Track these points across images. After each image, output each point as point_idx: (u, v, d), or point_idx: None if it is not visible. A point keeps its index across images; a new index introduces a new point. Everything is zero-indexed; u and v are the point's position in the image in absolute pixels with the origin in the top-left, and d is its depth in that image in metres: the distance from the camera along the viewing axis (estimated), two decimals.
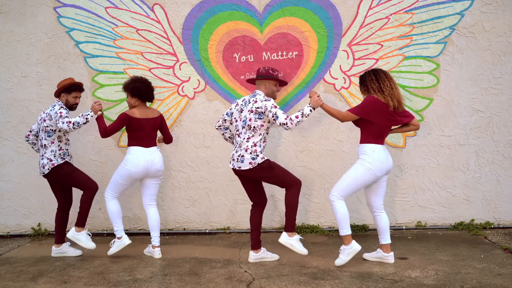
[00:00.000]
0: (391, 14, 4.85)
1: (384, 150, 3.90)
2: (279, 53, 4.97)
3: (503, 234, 4.78)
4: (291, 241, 4.05)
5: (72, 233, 4.42)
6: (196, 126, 5.13)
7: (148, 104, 4.48)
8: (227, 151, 5.10)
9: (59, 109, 4.31)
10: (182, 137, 5.16)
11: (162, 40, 5.06)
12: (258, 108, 3.95)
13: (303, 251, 4.05)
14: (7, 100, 5.24)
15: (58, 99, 4.49)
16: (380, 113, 3.80)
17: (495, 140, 4.91)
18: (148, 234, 5.14)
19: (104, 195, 4.43)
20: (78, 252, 4.58)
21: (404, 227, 5.06)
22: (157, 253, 4.42)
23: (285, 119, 3.85)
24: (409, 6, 4.82)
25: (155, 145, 4.41)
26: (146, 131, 4.31)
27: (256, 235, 4.18)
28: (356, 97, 4.92)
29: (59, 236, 4.57)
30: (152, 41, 5.07)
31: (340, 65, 4.95)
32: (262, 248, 4.21)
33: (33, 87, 5.21)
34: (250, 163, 3.97)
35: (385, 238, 4.00)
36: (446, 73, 4.87)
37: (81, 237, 4.42)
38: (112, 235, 5.26)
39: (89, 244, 4.44)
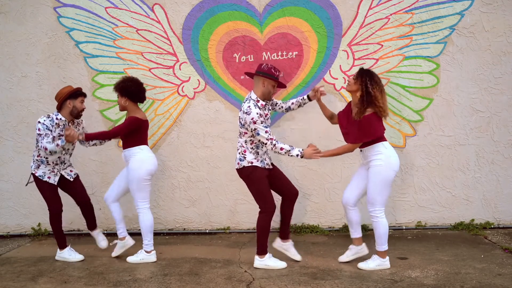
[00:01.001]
0: (391, 14, 4.85)
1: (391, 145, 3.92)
2: (279, 53, 4.97)
3: (503, 234, 4.78)
4: (264, 262, 4.01)
5: (58, 253, 4.49)
6: (196, 126, 5.13)
7: (139, 105, 4.43)
8: (227, 151, 5.10)
9: (44, 128, 4.17)
10: (182, 137, 5.15)
11: (162, 40, 5.06)
12: (241, 118, 3.92)
13: (281, 265, 4.01)
14: (7, 100, 5.24)
15: (57, 111, 4.30)
16: (379, 125, 3.78)
17: (495, 140, 4.91)
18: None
19: (136, 209, 4.36)
20: (79, 257, 4.49)
21: (404, 227, 5.06)
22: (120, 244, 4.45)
23: (267, 139, 3.82)
24: (409, 6, 4.81)
25: (146, 144, 4.47)
26: (147, 132, 4.43)
27: (285, 225, 4.17)
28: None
29: (60, 242, 4.52)
30: (152, 41, 5.07)
31: (340, 65, 4.95)
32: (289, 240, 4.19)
33: (33, 87, 5.21)
34: (237, 163, 4.00)
35: (359, 232, 4.05)
36: (446, 73, 4.87)
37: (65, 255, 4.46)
38: (112, 235, 5.27)
39: (76, 257, 4.46)
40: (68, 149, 4.41)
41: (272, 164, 4.13)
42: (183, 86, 5.11)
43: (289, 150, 3.82)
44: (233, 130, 5.06)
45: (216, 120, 5.11)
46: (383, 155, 3.76)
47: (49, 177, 4.35)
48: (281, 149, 3.82)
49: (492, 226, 4.98)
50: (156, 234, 5.22)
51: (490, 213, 5.00)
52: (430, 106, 4.91)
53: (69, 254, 4.46)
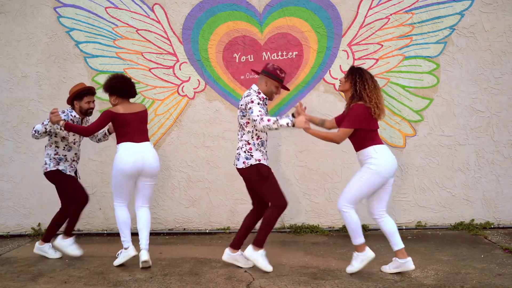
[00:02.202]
0: (391, 14, 4.85)
1: (388, 150, 3.75)
2: (279, 53, 4.97)
3: (503, 234, 4.78)
4: (255, 255, 3.90)
5: (58, 240, 4.44)
6: (196, 126, 5.13)
7: (131, 100, 4.31)
8: (227, 151, 5.10)
9: (48, 118, 4.20)
10: (182, 137, 5.16)
11: (162, 40, 5.06)
12: (241, 105, 3.86)
13: (267, 268, 3.88)
14: (7, 100, 5.25)
15: (70, 107, 4.40)
16: (370, 119, 3.65)
17: (495, 140, 4.91)
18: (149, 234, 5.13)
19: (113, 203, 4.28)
20: (57, 255, 4.48)
21: (404, 227, 5.06)
22: (144, 256, 4.08)
23: (257, 116, 3.66)
24: (409, 6, 4.82)
25: (147, 140, 4.21)
26: (134, 125, 4.12)
27: (241, 235, 4.02)
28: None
29: (48, 235, 4.50)
30: (152, 41, 5.07)
31: (340, 65, 4.95)
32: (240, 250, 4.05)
33: (33, 87, 5.21)
34: (243, 162, 3.87)
35: (396, 243, 3.70)
36: (446, 73, 4.87)
37: (65, 245, 4.42)
38: (112, 235, 5.28)
39: (75, 252, 4.41)
40: (70, 147, 4.42)
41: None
42: (183, 86, 5.11)
43: (277, 120, 3.60)
44: (233, 130, 5.07)
45: (216, 120, 5.11)
46: (374, 159, 3.63)
47: (69, 171, 4.41)
48: (268, 120, 3.62)
49: (492, 226, 4.98)
50: (156, 234, 5.24)
51: (490, 213, 5.00)
52: (430, 106, 4.91)
53: (48, 250, 4.49)
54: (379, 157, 3.64)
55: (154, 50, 5.08)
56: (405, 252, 3.70)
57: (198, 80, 5.10)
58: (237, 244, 4.03)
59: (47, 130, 4.24)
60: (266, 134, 3.99)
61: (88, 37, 5.11)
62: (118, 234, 5.15)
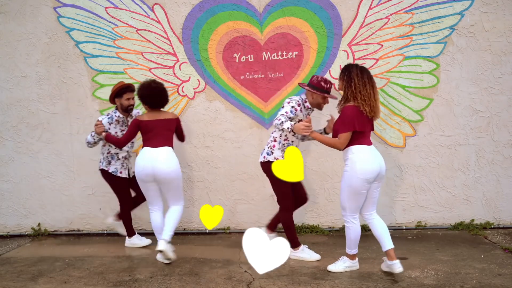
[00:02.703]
0: (391, 14, 4.85)
1: (370, 151, 3.63)
2: (279, 53, 4.97)
3: (503, 234, 4.78)
4: (297, 254, 4.17)
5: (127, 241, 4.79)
6: (196, 126, 5.13)
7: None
8: (227, 151, 5.10)
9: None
10: None
11: (162, 40, 5.06)
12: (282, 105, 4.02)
13: (314, 257, 4.18)
14: (7, 100, 5.25)
15: (114, 106, 4.65)
16: (362, 120, 3.60)
17: (495, 140, 4.91)
18: (149, 234, 5.14)
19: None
20: (146, 241, 4.78)
21: (404, 227, 5.06)
22: (161, 245, 4.11)
23: (279, 115, 3.78)
24: (409, 6, 4.81)
25: (166, 145, 4.23)
26: (156, 131, 4.20)
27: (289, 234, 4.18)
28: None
29: (128, 230, 4.79)
30: (152, 41, 5.07)
31: (340, 65, 4.93)
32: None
33: (33, 87, 5.21)
34: (264, 156, 4.07)
35: (383, 245, 3.70)
36: (446, 73, 4.87)
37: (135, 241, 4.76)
38: (112, 235, 5.28)
39: (144, 241, 4.77)
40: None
41: None
42: (183, 86, 5.11)
43: (283, 122, 3.71)
44: (233, 130, 5.07)
45: (216, 120, 5.11)
46: (349, 160, 3.60)
47: (120, 172, 4.62)
48: (278, 119, 3.74)
49: (492, 226, 4.98)
50: None
51: (490, 213, 5.00)
52: (430, 106, 4.91)
53: (140, 240, 4.80)
54: (355, 158, 3.58)
55: (154, 50, 5.08)
56: (393, 254, 3.68)
57: (198, 80, 5.10)
58: (271, 225, 4.34)
59: (96, 140, 4.49)
60: (297, 139, 4.11)
61: (88, 37, 5.11)
62: (118, 234, 5.18)
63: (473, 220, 5.01)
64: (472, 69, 4.84)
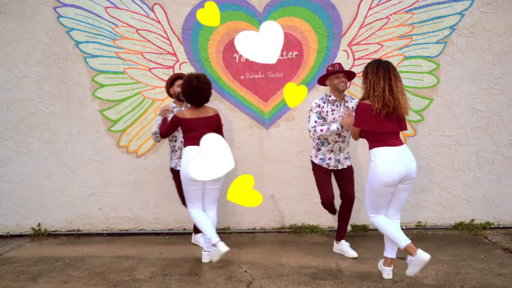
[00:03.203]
0: (391, 14, 4.85)
1: (395, 152, 3.43)
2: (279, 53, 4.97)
3: (503, 234, 4.78)
4: (339, 247, 4.36)
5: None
6: None
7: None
8: None
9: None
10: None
11: (162, 40, 5.06)
12: None
13: (352, 254, 4.23)
14: (7, 100, 5.25)
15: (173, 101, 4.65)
16: (374, 119, 3.44)
17: (495, 140, 4.91)
18: (149, 234, 5.14)
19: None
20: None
21: (404, 227, 5.05)
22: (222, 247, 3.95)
23: (311, 127, 4.06)
24: (409, 6, 4.81)
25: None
26: (198, 130, 4.05)
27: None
28: (356, 97, 4.90)
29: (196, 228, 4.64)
30: (152, 41, 5.07)
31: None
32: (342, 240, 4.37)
33: (33, 87, 5.21)
34: (311, 155, 4.33)
35: (398, 244, 3.52)
36: (446, 73, 4.87)
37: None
38: (112, 235, 5.28)
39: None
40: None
41: (341, 166, 4.23)
42: None
43: (328, 128, 3.99)
44: (233, 130, 5.07)
45: None
46: (371, 162, 3.51)
47: (179, 166, 4.45)
48: (321, 130, 4.01)
49: (492, 226, 4.98)
50: (156, 234, 5.24)
51: (490, 213, 5.00)
52: (430, 106, 4.91)
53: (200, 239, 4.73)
54: (377, 160, 3.46)
55: (154, 50, 5.08)
56: (388, 260, 3.71)
57: None
58: (338, 235, 4.41)
59: (158, 129, 4.43)
60: (346, 131, 4.15)
61: (88, 37, 5.11)
62: (118, 234, 5.19)
63: (473, 220, 5.01)
64: (472, 69, 4.84)
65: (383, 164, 3.43)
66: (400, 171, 3.41)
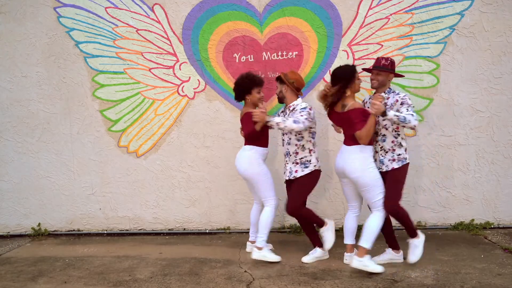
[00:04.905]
0: (391, 14, 4.85)
1: (341, 150, 3.98)
2: (279, 53, 4.97)
3: (503, 234, 4.78)
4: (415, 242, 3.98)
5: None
6: (196, 126, 5.13)
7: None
8: (227, 151, 5.10)
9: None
10: (182, 137, 5.15)
11: (162, 40, 5.06)
12: None
13: (378, 269, 3.78)
14: (7, 100, 5.25)
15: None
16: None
17: (495, 140, 4.91)
18: (149, 234, 5.14)
19: None
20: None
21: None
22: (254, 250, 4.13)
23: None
24: (409, 6, 4.81)
25: (245, 143, 4.26)
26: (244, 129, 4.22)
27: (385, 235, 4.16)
28: (356, 98, 4.90)
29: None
30: (152, 41, 5.07)
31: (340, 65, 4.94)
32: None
33: (33, 87, 5.21)
34: None
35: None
36: (446, 73, 4.87)
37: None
38: (112, 235, 5.28)
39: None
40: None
41: (386, 168, 3.90)
42: (183, 86, 5.11)
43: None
44: (233, 130, 5.07)
45: (216, 120, 5.11)
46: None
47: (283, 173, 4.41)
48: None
49: (492, 226, 4.98)
50: (156, 234, 5.24)
51: (490, 213, 5.00)
52: (430, 106, 4.91)
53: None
54: None
55: (154, 50, 5.08)
56: (350, 247, 4.06)
57: (198, 80, 5.10)
58: (393, 245, 4.13)
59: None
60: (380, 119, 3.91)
61: (88, 37, 5.11)
62: (118, 234, 5.19)
63: (473, 220, 5.01)
64: (472, 69, 4.84)
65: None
66: (337, 165, 4.02)
